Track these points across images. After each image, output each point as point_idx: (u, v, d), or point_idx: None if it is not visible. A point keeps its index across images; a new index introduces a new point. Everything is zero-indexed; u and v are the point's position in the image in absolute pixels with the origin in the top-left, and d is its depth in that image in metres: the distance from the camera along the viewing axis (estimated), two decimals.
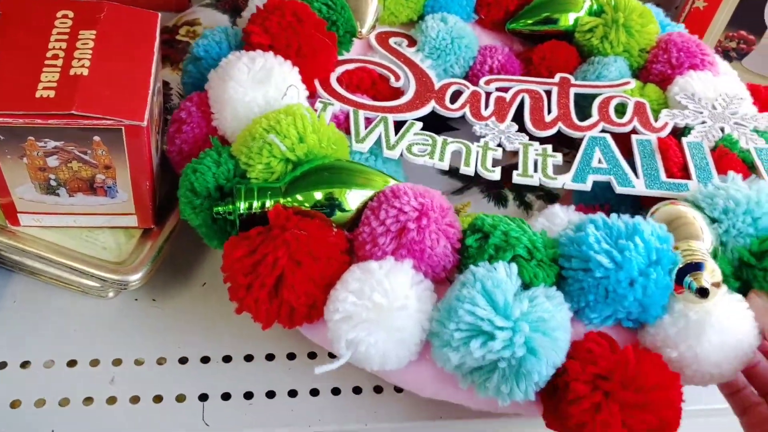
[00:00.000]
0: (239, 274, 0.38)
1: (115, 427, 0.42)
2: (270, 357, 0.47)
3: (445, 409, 0.44)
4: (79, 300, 0.48)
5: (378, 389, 0.46)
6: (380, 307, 0.35)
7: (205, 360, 0.46)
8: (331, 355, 0.46)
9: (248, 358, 0.46)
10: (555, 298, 0.37)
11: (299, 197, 0.40)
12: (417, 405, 0.44)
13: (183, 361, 0.46)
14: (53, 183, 0.43)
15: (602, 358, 0.35)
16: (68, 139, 0.40)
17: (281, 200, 0.40)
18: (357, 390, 0.45)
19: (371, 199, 0.41)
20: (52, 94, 0.39)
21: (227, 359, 0.46)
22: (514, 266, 0.37)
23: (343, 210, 0.41)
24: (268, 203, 0.40)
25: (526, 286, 0.37)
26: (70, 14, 0.44)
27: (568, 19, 0.60)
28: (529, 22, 0.61)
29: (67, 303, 0.48)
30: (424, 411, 0.44)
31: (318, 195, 0.41)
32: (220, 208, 0.40)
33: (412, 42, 0.59)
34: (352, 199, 0.41)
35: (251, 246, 0.38)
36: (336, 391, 0.45)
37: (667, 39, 0.58)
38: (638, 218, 0.39)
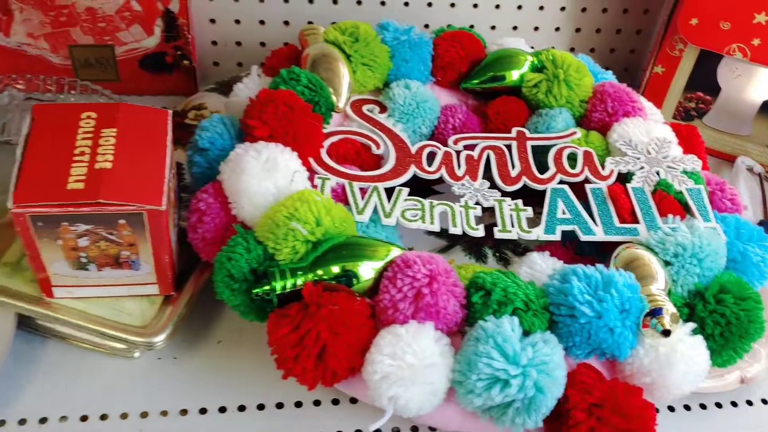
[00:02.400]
0: (287, 348, 0.44)
1: None
2: (279, 405, 0.53)
3: None
4: (108, 361, 0.53)
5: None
6: (413, 366, 0.43)
7: (222, 410, 0.52)
8: (335, 402, 0.53)
9: (260, 407, 0.53)
10: (551, 342, 0.45)
11: (320, 272, 0.47)
12: None
13: (203, 411, 0.52)
14: (83, 260, 0.49)
15: (595, 389, 0.44)
16: (97, 223, 0.46)
17: (308, 277, 0.47)
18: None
19: (385, 269, 0.48)
20: (81, 186, 0.45)
21: (242, 408, 0.52)
22: (515, 319, 0.45)
23: (358, 280, 0.48)
24: (299, 281, 0.46)
25: (525, 332, 0.45)
26: (93, 115, 0.49)
27: (512, 76, 0.69)
28: (479, 81, 0.69)
29: (96, 364, 0.53)
30: None
31: (335, 269, 0.47)
32: (258, 290, 0.46)
33: (383, 108, 0.66)
34: (364, 270, 0.48)
35: (294, 322, 0.44)
36: None
37: (601, 90, 0.67)
38: (612, 269, 0.47)
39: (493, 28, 0.86)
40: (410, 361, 0.43)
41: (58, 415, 0.50)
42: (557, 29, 0.88)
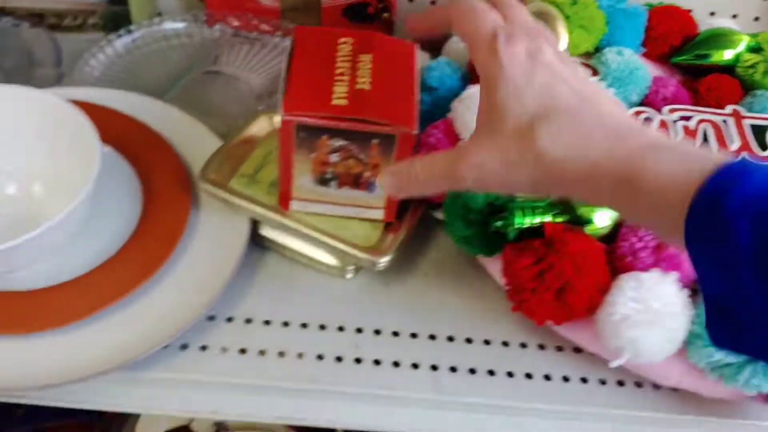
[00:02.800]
0: (527, 280, 0.45)
1: (363, 383, 0.50)
2: (486, 342, 0.54)
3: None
4: (322, 278, 0.56)
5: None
6: (656, 311, 0.43)
7: (432, 337, 0.54)
8: (541, 346, 0.54)
9: (468, 340, 0.54)
10: None
11: (554, 213, 0.48)
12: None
13: (414, 335, 0.54)
14: (328, 176, 0.51)
15: None
16: (353, 140, 0.48)
17: (545, 217, 0.48)
18: (565, 378, 0.52)
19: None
20: (344, 102, 0.47)
21: (450, 339, 0.54)
22: None
23: (589, 225, 0.48)
24: (537, 219, 0.47)
25: None
26: (350, 41, 0.52)
27: (723, 55, 0.68)
28: (690, 56, 0.69)
29: (311, 279, 0.56)
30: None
31: (569, 212, 0.48)
32: (499, 222, 0.47)
33: (594, 72, 0.66)
34: (600, 217, 0.48)
35: (537, 255, 0.45)
36: (548, 377, 0.52)
37: None
38: None
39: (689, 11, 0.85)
40: (654, 305, 0.43)
41: (281, 320, 0.53)
42: (756, 19, 0.86)
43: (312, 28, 0.52)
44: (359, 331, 0.53)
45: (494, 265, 0.52)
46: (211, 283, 0.51)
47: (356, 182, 0.51)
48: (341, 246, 0.52)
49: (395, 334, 0.53)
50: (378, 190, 0.52)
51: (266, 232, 0.56)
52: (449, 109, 0.55)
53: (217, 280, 0.51)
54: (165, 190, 0.56)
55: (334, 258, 0.55)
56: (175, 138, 0.61)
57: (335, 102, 0.47)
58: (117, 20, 0.76)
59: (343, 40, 0.52)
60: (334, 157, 0.49)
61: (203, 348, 0.51)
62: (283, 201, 0.53)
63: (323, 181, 0.51)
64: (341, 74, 0.49)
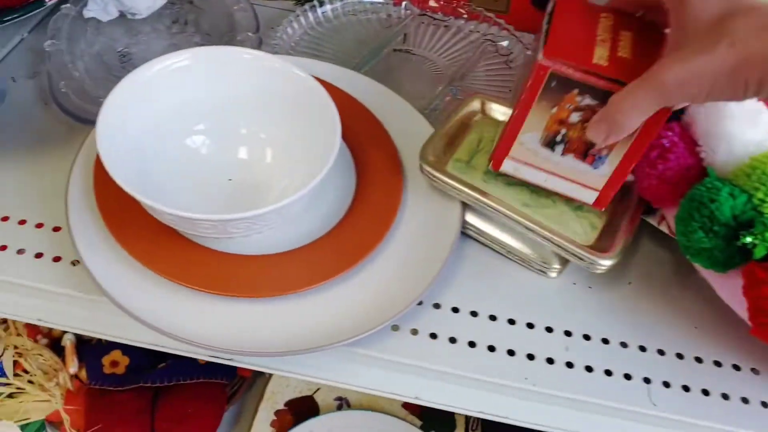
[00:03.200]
0: None
1: (575, 388, 0.49)
2: (698, 359, 0.52)
3: None
4: (524, 273, 0.55)
5: None
6: None
7: (642, 348, 0.52)
8: (755, 371, 0.51)
9: (679, 356, 0.52)
10: None
11: None
12: None
13: (624, 345, 0.52)
14: (558, 138, 0.49)
15: None
16: (602, 101, 0.46)
17: None
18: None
19: None
20: (605, 63, 0.45)
21: (661, 352, 0.52)
22: None
23: None
24: None
25: None
26: (610, 17, 0.49)
27: None
28: None
29: (512, 273, 0.55)
30: None
31: None
32: (748, 238, 0.45)
33: None
34: None
35: None
36: (765, 404, 0.50)
37: None
38: None
39: None
40: None
41: (487, 313, 0.52)
42: None
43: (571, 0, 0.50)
44: (568, 334, 0.52)
45: (722, 282, 0.49)
46: (424, 268, 0.51)
47: (585, 152, 0.49)
48: (561, 241, 0.50)
49: (605, 341, 0.52)
50: (602, 167, 0.50)
51: (472, 219, 0.55)
52: (681, 111, 0.53)
53: (431, 265, 0.51)
54: (377, 167, 0.55)
55: (542, 254, 0.54)
56: (380, 114, 0.60)
57: (596, 61, 0.45)
58: None
59: (604, 14, 0.49)
60: (574, 117, 0.47)
61: (414, 332, 0.50)
62: (497, 159, 0.52)
63: (550, 143, 0.49)
64: (603, 40, 0.47)
